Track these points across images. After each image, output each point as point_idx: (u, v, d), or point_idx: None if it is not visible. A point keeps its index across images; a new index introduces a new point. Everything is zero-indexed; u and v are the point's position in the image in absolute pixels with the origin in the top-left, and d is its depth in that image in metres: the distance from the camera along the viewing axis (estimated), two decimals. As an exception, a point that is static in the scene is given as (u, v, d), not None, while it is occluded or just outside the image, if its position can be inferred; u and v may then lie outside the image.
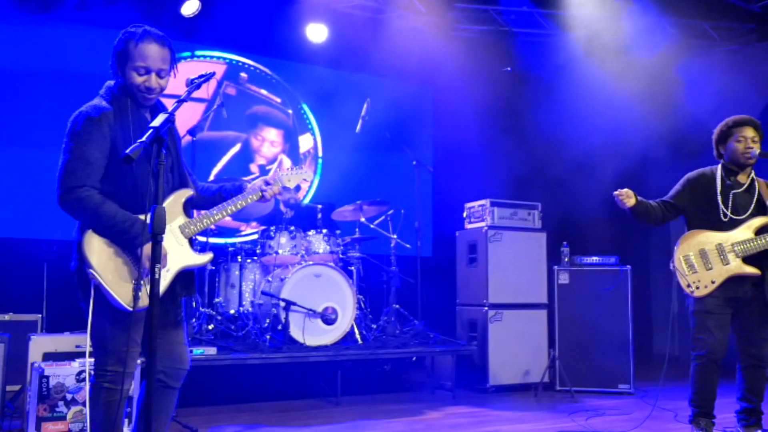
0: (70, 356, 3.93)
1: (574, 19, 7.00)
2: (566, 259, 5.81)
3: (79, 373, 3.78)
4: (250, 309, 5.50)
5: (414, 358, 6.31)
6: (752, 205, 3.71)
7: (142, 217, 2.43)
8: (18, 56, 6.31)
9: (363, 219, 6.04)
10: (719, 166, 3.84)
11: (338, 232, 5.86)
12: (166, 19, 6.30)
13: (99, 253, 2.45)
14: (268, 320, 5.17)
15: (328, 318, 5.12)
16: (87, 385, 2.55)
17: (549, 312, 5.84)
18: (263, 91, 6.85)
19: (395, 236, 6.04)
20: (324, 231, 5.62)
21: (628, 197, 3.72)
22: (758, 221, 3.68)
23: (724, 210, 3.70)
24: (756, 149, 3.70)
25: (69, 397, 3.75)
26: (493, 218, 5.85)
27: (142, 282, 2.38)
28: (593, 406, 5.01)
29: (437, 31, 7.45)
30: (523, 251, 5.87)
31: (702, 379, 3.67)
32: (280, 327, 5.03)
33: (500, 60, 7.61)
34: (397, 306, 5.89)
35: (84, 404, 3.73)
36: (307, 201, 7.40)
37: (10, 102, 6.25)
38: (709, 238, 3.68)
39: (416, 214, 5.92)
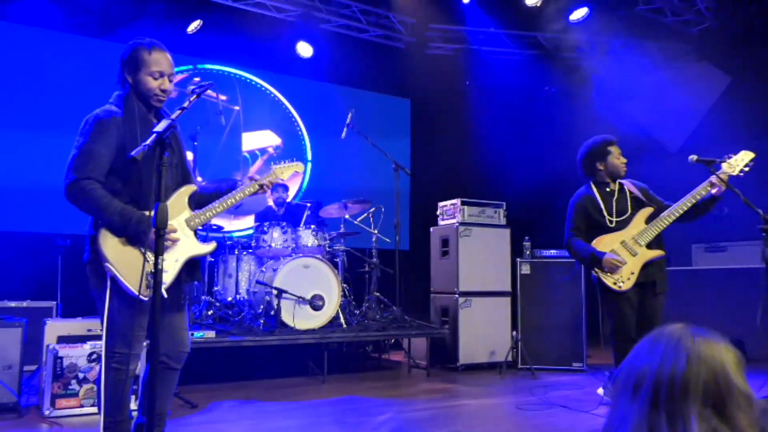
0: (81, 339, 3.90)
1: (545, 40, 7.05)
2: (528, 252, 5.85)
3: (90, 354, 3.76)
4: (245, 296, 5.47)
5: (392, 340, 6.34)
6: (629, 204, 3.80)
7: (147, 213, 2.41)
8: (42, 66, 6.25)
9: (347, 216, 6.03)
10: (591, 184, 3.91)
11: (326, 230, 5.86)
12: (170, 36, 6.28)
13: (114, 247, 2.42)
14: (261, 306, 5.14)
15: (316, 304, 5.10)
16: (100, 366, 2.52)
17: (512, 299, 5.88)
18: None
19: (376, 231, 6.03)
20: (312, 227, 5.60)
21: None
22: (645, 212, 3.74)
23: (609, 218, 3.77)
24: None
25: (81, 375, 3.73)
26: (463, 216, 5.88)
27: (152, 272, 2.34)
28: (550, 381, 5.06)
29: (414, 49, 7.49)
30: (490, 245, 5.90)
31: (623, 356, 3.72)
32: (272, 313, 5.01)
33: (469, 75, 7.65)
34: (378, 294, 5.88)
35: (95, 382, 3.72)
36: (297, 200, 7.39)
37: (30, 107, 6.19)
38: (613, 239, 3.73)
39: (395, 211, 5.94)
